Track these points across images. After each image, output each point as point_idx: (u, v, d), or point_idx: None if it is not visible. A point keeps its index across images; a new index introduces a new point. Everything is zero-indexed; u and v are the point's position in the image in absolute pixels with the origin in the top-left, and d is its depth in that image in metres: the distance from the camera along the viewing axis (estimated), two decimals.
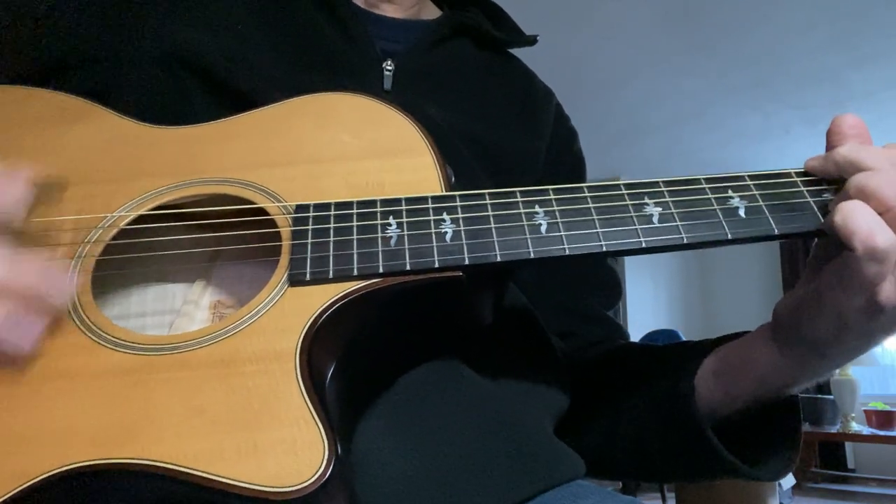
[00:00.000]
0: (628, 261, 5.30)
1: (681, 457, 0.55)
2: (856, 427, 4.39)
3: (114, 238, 0.47)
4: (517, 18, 0.78)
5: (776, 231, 0.45)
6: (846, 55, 3.33)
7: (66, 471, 0.36)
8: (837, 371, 4.49)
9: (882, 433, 4.30)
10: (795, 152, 4.39)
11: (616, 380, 0.64)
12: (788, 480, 3.66)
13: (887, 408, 4.43)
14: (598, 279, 0.74)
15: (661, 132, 4.30)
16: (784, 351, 0.50)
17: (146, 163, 0.51)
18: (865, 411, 4.47)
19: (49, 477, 0.36)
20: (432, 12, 0.75)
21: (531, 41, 0.76)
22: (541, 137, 0.72)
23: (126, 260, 0.47)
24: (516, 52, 0.78)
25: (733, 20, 3.04)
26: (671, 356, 0.59)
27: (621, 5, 2.93)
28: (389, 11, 0.70)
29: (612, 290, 0.75)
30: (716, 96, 3.83)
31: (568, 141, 0.77)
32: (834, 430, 4.50)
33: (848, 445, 4.99)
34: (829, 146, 0.47)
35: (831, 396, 4.53)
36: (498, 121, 0.69)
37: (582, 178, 0.78)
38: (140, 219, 0.48)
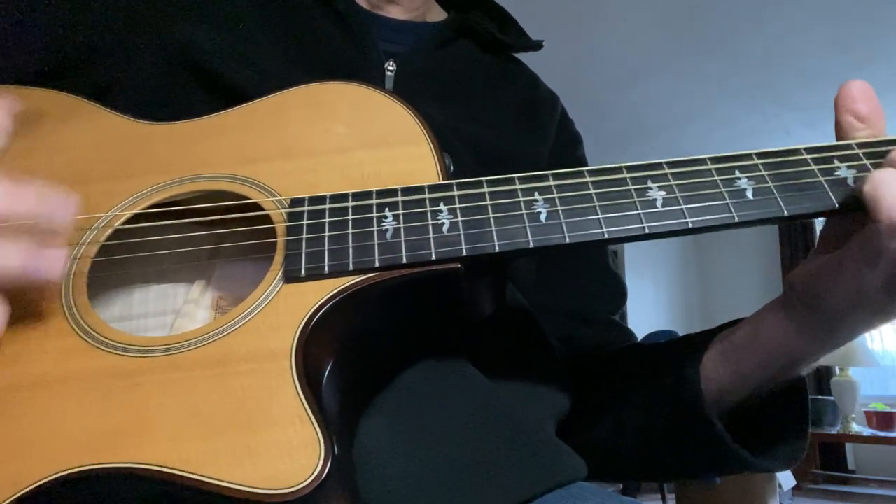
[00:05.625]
0: (628, 262, 5.31)
1: (686, 447, 0.54)
2: (856, 428, 4.39)
3: (109, 238, 0.47)
4: (521, 19, 0.77)
5: (785, 212, 0.43)
6: (847, 56, 3.33)
7: (61, 477, 0.35)
8: (838, 371, 4.49)
9: (882, 434, 4.30)
10: None
11: (622, 375, 0.63)
12: (789, 481, 3.65)
13: (887, 409, 4.43)
14: (602, 284, 0.74)
15: (662, 133, 4.30)
16: (793, 321, 0.48)
17: (139, 160, 0.51)
18: (866, 412, 4.47)
19: (44, 483, 0.35)
20: (437, 14, 0.75)
21: (536, 46, 0.75)
22: (544, 142, 0.72)
23: (122, 260, 0.47)
24: (521, 55, 0.78)
25: (734, 23, 3.05)
26: (676, 346, 0.59)
27: (623, 8, 2.93)
28: (393, 13, 0.69)
29: (617, 295, 0.75)
30: (717, 98, 3.83)
31: (571, 146, 0.77)
32: (834, 431, 4.50)
33: (848, 446, 4.99)
34: (840, 111, 0.46)
35: (832, 397, 4.53)
36: (501, 124, 0.69)
37: None
38: (135, 217, 0.48)
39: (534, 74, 0.78)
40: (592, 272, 0.73)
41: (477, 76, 0.71)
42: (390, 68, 0.64)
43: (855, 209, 0.42)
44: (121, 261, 0.47)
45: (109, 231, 0.47)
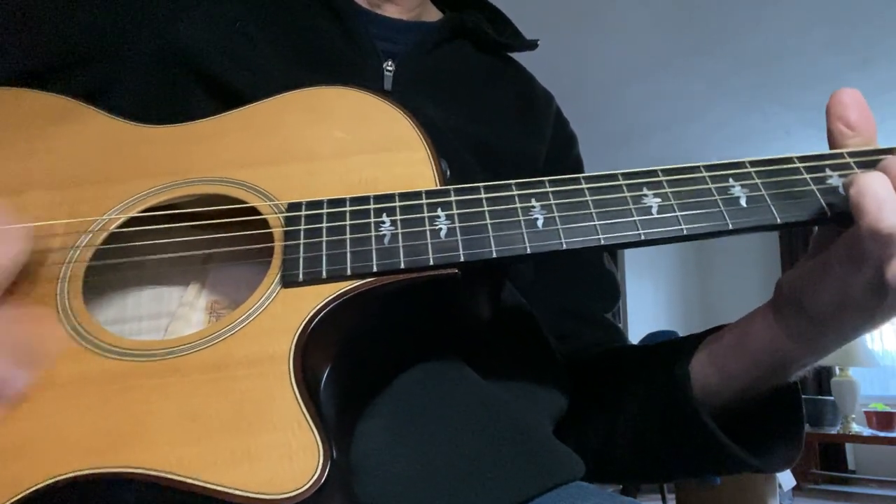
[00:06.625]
0: (628, 263, 5.31)
1: (680, 446, 0.54)
2: (856, 428, 4.39)
3: (105, 241, 0.46)
4: (519, 19, 0.77)
5: (778, 220, 0.43)
6: (846, 57, 3.33)
7: (58, 481, 0.35)
8: (838, 371, 4.49)
9: (882, 434, 4.30)
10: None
11: (615, 376, 0.63)
12: (789, 481, 3.65)
13: (887, 409, 4.43)
14: (597, 283, 0.74)
15: (661, 134, 4.30)
16: (782, 324, 0.48)
17: (136, 163, 0.50)
18: (866, 412, 4.47)
19: (40, 488, 0.35)
20: (433, 15, 0.75)
21: (531, 45, 0.75)
22: (540, 141, 0.72)
23: (117, 264, 0.46)
24: (516, 55, 0.78)
25: (733, 22, 3.04)
26: (667, 347, 0.59)
27: (623, 8, 2.93)
28: (391, 12, 0.69)
29: (612, 294, 0.75)
30: (716, 98, 3.83)
31: (567, 145, 0.77)
32: (834, 431, 4.50)
33: (848, 446, 4.99)
34: (831, 119, 0.46)
35: (831, 397, 4.53)
36: (497, 123, 0.69)
37: None
38: (131, 220, 0.48)
39: (528, 73, 0.78)
40: (586, 271, 0.73)
41: (475, 75, 0.71)
42: (389, 68, 0.64)
43: (847, 217, 0.42)
44: (116, 264, 0.47)
45: (105, 234, 0.47)
